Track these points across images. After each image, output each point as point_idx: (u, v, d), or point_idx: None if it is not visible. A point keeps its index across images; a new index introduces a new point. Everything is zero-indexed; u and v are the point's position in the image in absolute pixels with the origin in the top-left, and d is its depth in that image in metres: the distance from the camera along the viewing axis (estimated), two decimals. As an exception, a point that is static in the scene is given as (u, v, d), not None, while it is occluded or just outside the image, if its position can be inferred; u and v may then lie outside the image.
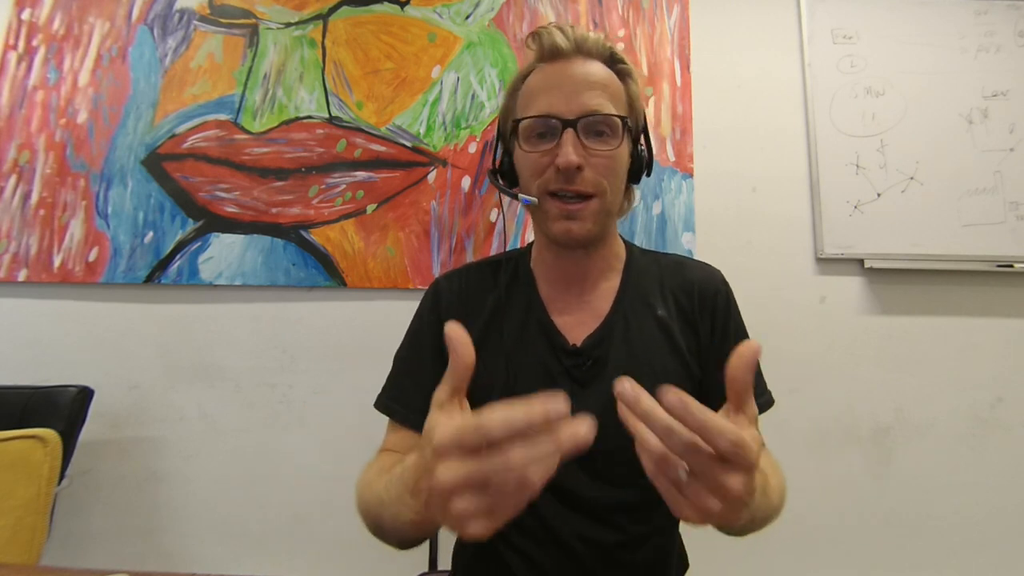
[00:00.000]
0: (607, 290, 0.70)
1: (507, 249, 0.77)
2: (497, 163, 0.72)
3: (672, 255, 0.76)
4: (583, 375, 0.67)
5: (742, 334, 0.70)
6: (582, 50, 0.64)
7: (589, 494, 0.65)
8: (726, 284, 0.73)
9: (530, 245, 0.76)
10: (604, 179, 0.62)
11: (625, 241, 0.75)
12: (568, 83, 0.62)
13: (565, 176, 0.60)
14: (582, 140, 0.60)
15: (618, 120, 0.62)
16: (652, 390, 0.67)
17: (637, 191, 0.71)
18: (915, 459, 1.46)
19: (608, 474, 0.65)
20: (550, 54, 0.64)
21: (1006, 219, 1.50)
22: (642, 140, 0.69)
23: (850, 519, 1.44)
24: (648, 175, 0.70)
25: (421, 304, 0.74)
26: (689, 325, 0.69)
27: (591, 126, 0.61)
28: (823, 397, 1.48)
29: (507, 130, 0.69)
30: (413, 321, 0.74)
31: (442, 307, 0.71)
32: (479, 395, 0.70)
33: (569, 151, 0.59)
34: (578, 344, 0.67)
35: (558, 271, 0.71)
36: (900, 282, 1.52)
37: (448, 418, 0.36)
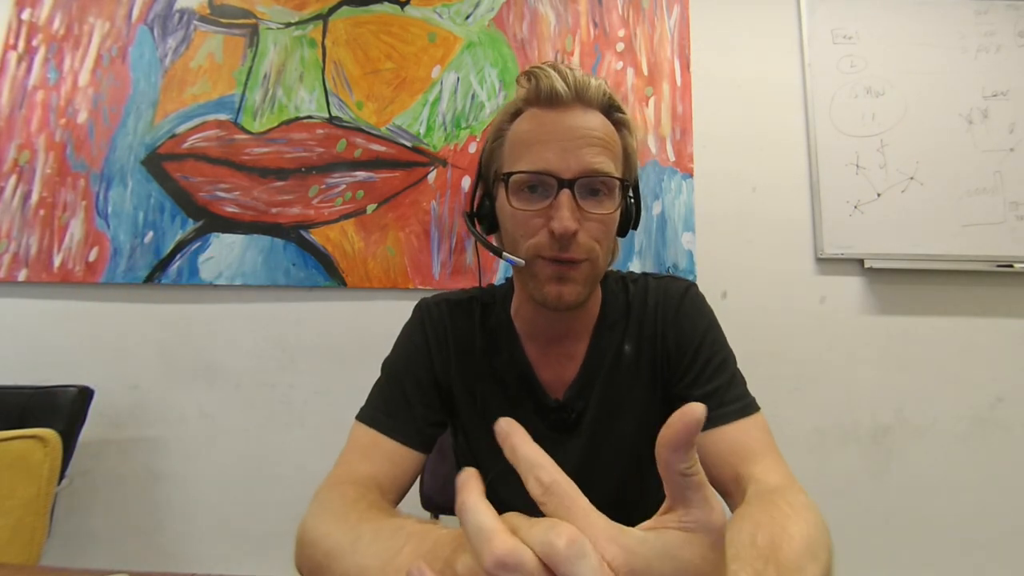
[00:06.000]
0: (585, 338, 0.69)
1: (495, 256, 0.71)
2: (475, 205, 0.66)
3: (641, 279, 0.71)
4: (566, 426, 0.68)
5: (701, 333, 0.65)
6: (582, 99, 0.58)
7: None
8: (688, 291, 0.69)
9: (510, 286, 0.72)
10: (597, 243, 0.58)
11: None
12: (566, 137, 0.57)
13: (560, 244, 0.56)
14: (577, 201, 0.56)
15: (617, 182, 0.58)
16: (630, 430, 0.68)
17: (620, 241, 0.67)
18: (915, 459, 1.46)
19: None
20: (547, 100, 0.58)
21: (1006, 219, 1.50)
22: (631, 193, 0.65)
23: (850, 519, 1.44)
24: (635, 229, 0.66)
25: (410, 326, 0.72)
26: (656, 351, 0.67)
27: (587, 185, 0.57)
28: (823, 397, 1.48)
29: (491, 176, 0.63)
30: (403, 340, 0.72)
31: (429, 338, 0.70)
32: (470, 454, 0.70)
33: (565, 216, 0.55)
34: (560, 398, 0.68)
35: (539, 327, 0.68)
36: (900, 282, 1.52)
37: (503, 528, 0.27)
